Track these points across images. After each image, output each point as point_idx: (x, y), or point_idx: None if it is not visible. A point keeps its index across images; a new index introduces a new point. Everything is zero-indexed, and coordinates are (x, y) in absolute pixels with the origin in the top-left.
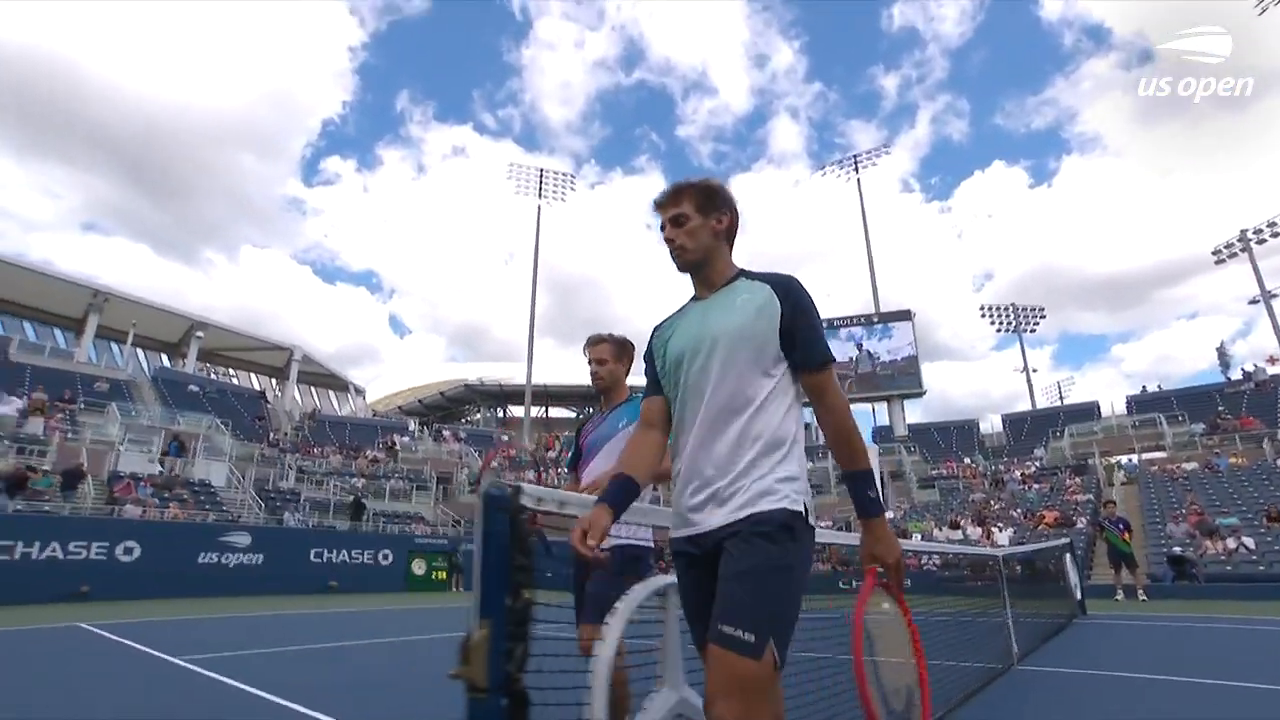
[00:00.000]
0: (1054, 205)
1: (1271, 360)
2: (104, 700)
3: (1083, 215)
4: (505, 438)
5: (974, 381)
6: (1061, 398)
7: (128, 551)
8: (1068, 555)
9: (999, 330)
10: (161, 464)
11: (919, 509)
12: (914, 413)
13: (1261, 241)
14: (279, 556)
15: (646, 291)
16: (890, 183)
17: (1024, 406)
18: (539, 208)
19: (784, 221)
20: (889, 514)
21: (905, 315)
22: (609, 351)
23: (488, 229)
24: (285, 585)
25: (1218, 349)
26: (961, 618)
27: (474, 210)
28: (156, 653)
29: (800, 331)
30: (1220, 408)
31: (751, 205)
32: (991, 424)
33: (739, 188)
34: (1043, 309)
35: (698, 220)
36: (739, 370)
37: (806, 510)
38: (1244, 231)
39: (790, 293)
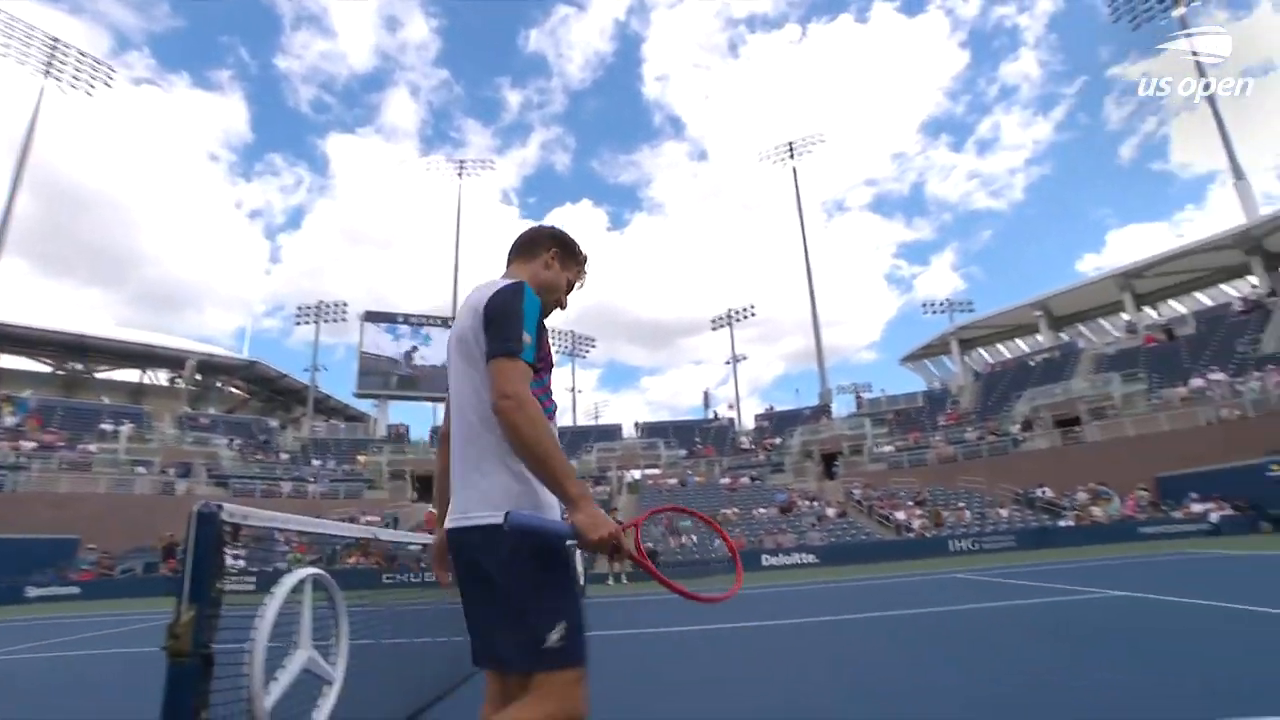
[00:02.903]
0: (622, 251)
1: (730, 407)
2: None
3: (641, 265)
4: None
5: None
6: (597, 417)
7: None
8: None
9: (558, 352)
10: None
11: None
12: None
13: (738, 320)
14: None
15: (191, 233)
16: (493, 190)
17: (567, 422)
18: (43, 88)
19: (380, 197)
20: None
21: None
22: None
23: None
24: None
25: (704, 392)
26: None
27: None
28: None
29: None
30: (697, 439)
31: (347, 171)
32: None
33: (333, 147)
34: (594, 339)
35: None
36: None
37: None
38: (730, 310)
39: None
